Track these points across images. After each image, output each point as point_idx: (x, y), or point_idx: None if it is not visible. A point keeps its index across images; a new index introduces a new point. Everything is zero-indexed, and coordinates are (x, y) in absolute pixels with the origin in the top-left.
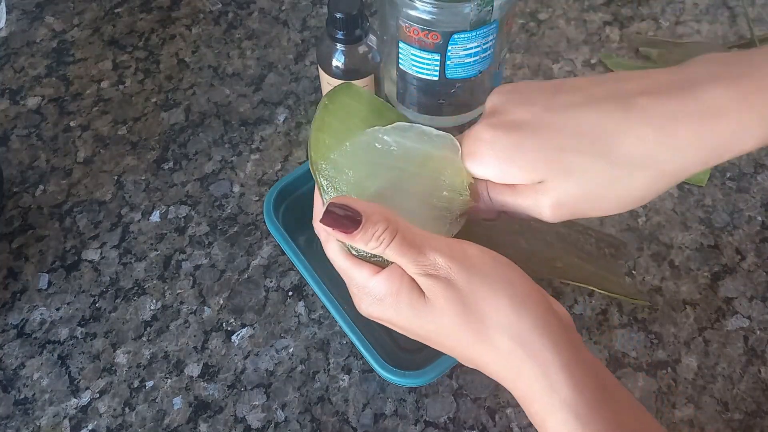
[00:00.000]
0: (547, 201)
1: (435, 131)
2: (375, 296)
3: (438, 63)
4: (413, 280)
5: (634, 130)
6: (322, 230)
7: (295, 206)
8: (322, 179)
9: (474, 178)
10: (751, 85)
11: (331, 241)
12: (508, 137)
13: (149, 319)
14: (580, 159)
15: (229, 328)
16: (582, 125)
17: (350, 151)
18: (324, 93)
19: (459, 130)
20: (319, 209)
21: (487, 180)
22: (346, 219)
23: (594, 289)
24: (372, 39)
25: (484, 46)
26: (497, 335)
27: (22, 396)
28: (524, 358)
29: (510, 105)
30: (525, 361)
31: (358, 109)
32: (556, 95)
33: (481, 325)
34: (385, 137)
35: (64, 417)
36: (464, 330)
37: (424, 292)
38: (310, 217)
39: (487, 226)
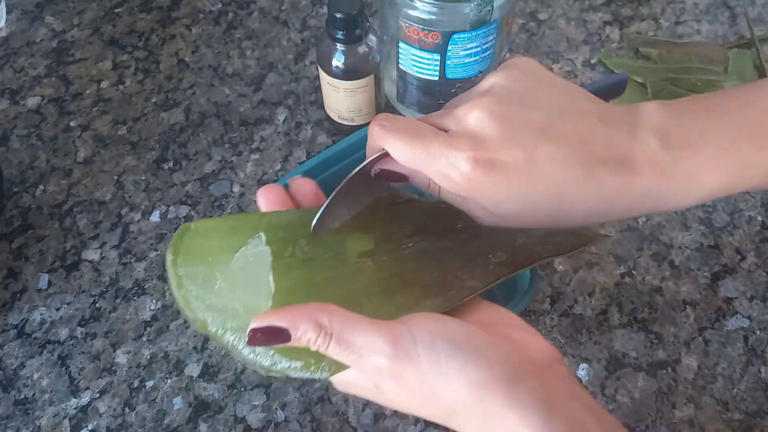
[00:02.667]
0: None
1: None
2: (340, 382)
3: (438, 63)
4: None
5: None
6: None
7: None
8: (213, 329)
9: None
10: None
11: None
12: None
13: (149, 319)
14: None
15: None
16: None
17: (226, 287)
18: (324, 93)
19: None
20: None
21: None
22: (271, 337)
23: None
24: (372, 39)
25: (484, 46)
26: (463, 416)
27: (22, 396)
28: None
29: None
30: None
31: (208, 246)
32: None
33: (444, 410)
34: (253, 250)
35: (64, 417)
36: (433, 416)
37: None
38: None
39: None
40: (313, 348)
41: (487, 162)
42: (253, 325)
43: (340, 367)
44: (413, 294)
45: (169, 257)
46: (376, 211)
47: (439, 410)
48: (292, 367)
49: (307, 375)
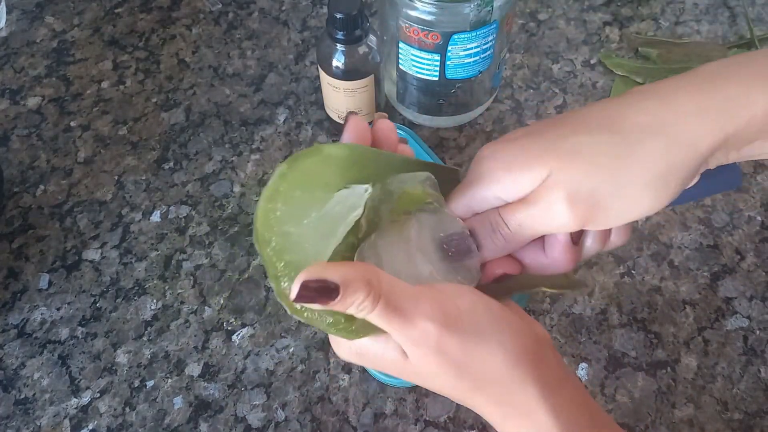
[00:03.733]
0: (560, 193)
1: (414, 175)
2: (355, 350)
3: (438, 63)
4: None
5: (635, 104)
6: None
7: None
8: (270, 252)
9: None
10: (748, 59)
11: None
12: (509, 146)
13: (150, 319)
14: (586, 138)
15: (229, 328)
16: (583, 116)
17: (309, 224)
18: (324, 93)
19: (459, 131)
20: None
21: (498, 208)
22: (320, 294)
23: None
24: (372, 39)
25: (484, 47)
26: (488, 389)
27: (23, 396)
28: (513, 413)
29: (507, 134)
30: (513, 417)
31: (323, 174)
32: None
33: (472, 383)
34: (351, 198)
35: (65, 417)
36: (454, 390)
37: (408, 356)
38: None
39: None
40: (357, 311)
41: (504, 140)
42: (304, 276)
43: (369, 332)
44: None
45: (282, 167)
46: None
47: (469, 383)
48: (321, 319)
49: (332, 331)
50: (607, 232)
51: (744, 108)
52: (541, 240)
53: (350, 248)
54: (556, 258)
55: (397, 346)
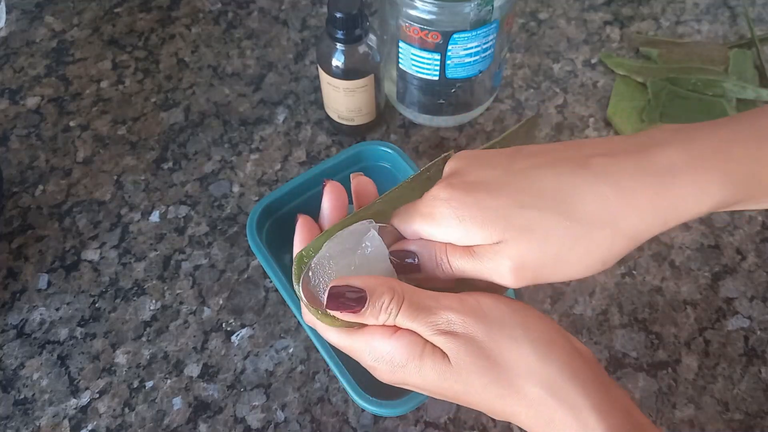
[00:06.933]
0: (508, 263)
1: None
2: (396, 363)
3: (438, 63)
4: (432, 343)
5: (593, 187)
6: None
7: (281, 223)
8: (303, 253)
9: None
10: (705, 147)
11: (328, 329)
12: (467, 195)
13: (149, 320)
14: (540, 216)
15: (228, 329)
16: (542, 184)
17: (329, 249)
18: (324, 93)
19: (459, 130)
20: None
21: (446, 245)
22: (350, 300)
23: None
24: (372, 39)
25: (485, 46)
26: (525, 384)
27: (22, 396)
28: (554, 405)
29: (470, 168)
30: (556, 409)
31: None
32: (515, 159)
33: (508, 377)
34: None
35: (64, 417)
36: (493, 385)
37: (446, 353)
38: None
39: None
40: (386, 316)
41: (464, 183)
42: (333, 283)
43: None
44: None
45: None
46: None
47: (500, 390)
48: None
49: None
50: None
51: (695, 205)
52: None
53: None
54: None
55: (432, 346)
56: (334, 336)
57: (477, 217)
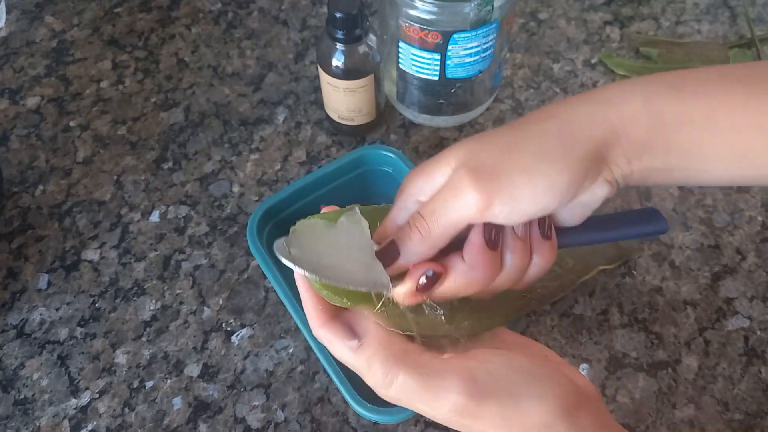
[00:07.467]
0: (463, 171)
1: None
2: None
3: (438, 63)
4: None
5: (536, 110)
6: (323, 337)
7: (282, 227)
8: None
9: None
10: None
11: (335, 343)
12: (427, 161)
13: (149, 320)
14: (489, 132)
15: (228, 329)
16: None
17: (327, 244)
18: (324, 93)
19: (459, 130)
20: (314, 316)
21: (418, 210)
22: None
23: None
24: (372, 39)
25: (485, 46)
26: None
27: (22, 396)
28: None
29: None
30: None
31: (314, 231)
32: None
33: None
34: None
35: (64, 417)
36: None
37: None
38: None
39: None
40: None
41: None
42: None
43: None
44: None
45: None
46: None
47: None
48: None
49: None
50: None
51: (624, 102)
52: (461, 249)
53: None
54: (472, 261)
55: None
56: (342, 351)
57: (434, 159)
